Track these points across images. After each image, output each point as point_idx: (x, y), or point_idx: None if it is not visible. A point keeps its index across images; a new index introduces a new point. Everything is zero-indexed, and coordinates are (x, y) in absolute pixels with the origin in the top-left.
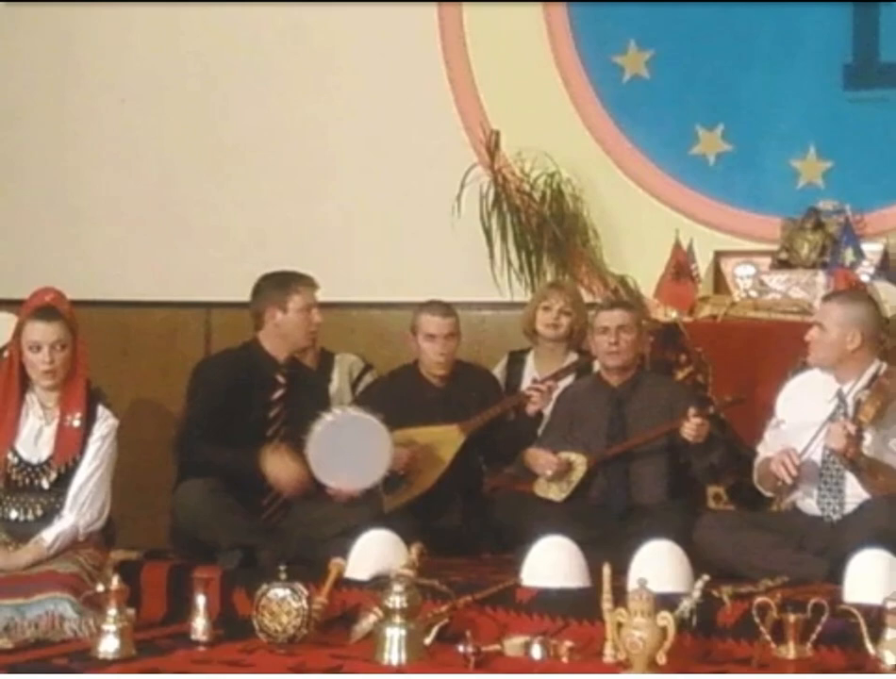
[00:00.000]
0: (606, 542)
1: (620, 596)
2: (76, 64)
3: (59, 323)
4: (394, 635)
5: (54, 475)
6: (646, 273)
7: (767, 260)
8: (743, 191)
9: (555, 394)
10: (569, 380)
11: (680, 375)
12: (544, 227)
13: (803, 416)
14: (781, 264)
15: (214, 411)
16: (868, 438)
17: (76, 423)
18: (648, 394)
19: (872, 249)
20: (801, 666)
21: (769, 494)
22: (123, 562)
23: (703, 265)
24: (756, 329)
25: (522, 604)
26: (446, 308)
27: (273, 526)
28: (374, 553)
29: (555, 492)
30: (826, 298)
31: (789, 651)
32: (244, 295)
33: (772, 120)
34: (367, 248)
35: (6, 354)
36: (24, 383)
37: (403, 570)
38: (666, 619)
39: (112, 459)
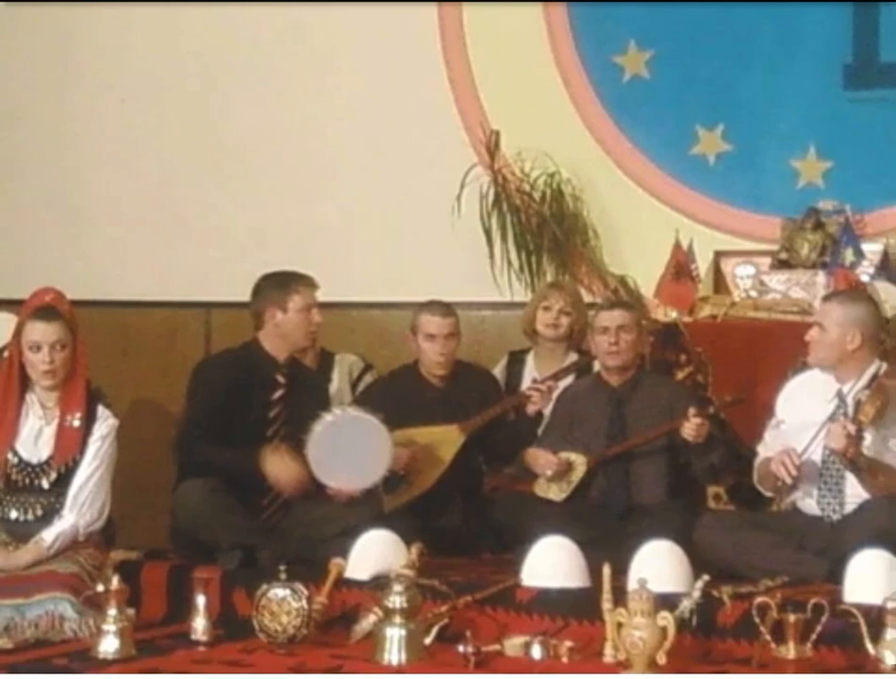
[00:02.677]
0: (606, 542)
1: (620, 596)
2: (76, 64)
3: (59, 323)
4: (394, 635)
5: (54, 475)
6: (646, 273)
7: (767, 260)
8: (743, 191)
9: (556, 394)
10: (569, 380)
11: (680, 375)
12: (544, 227)
13: (803, 416)
14: (781, 264)
15: (214, 411)
16: (868, 438)
17: (76, 423)
18: (648, 394)
19: (872, 249)
20: (801, 666)
21: (769, 494)
22: (123, 562)
23: (703, 265)
24: (756, 329)
25: (522, 604)
26: (446, 308)
27: (273, 526)
28: (374, 553)
29: (556, 492)
30: (826, 298)
31: (789, 651)
32: (244, 295)
33: (772, 120)
34: (367, 248)
35: (6, 354)
36: (24, 383)
37: (403, 570)
38: (666, 619)
39: (112, 459)
